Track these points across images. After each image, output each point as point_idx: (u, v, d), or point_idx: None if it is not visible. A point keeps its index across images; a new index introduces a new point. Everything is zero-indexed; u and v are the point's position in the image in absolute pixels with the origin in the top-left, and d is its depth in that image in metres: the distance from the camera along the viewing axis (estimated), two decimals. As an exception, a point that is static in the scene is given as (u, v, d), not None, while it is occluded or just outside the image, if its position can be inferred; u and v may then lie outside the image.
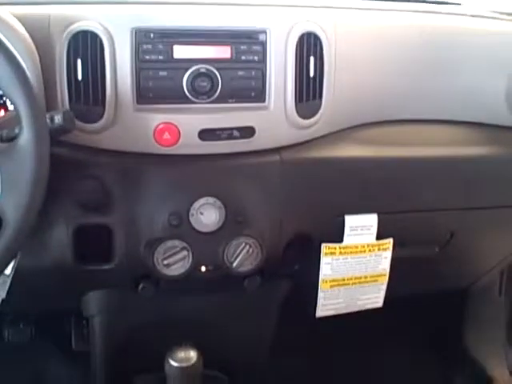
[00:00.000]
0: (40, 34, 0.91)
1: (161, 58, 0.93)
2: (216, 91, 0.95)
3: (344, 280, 1.14)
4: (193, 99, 0.95)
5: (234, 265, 1.00)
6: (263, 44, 0.96)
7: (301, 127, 1.02)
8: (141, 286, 1.04)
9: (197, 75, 0.94)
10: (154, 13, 0.95)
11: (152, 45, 0.93)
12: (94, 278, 1.06)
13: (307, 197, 1.04)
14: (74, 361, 1.56)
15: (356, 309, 1.19)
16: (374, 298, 1.19)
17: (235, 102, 0.97)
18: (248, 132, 0.98)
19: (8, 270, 0.91)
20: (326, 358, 1.59)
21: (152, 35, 0.93)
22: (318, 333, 1.51)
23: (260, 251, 1.00)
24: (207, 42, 0.94)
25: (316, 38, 0.99)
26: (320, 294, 1.14)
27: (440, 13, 1.14)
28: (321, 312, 1.16)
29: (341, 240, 1.09)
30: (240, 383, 1.33)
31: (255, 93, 0.97)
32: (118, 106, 0.93)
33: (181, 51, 0.94)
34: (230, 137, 0.97)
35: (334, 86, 1.03)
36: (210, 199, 0.97)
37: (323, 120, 1.03)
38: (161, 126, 0.95)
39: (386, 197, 1.09)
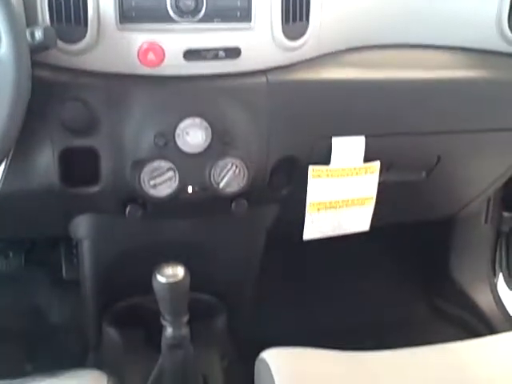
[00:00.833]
0: None
1: None
2: (201, 11, 0.93)
3: (331, 203, 1.14)
4: (177, 19, 0.93)
5: (221, 186, 1.00)
6: None
7: (287, 49, 1.00)
8: (128, 209, 1.04)
9: None
10: None
11: None
12: (80, 202, 1.06)
13: (294, 119, 1.03)
14: (65, 290, 1.58)
15: (343, 232, 1.19)
16: (361, 221, 1.19)
17: (221, 21, 0.95)
18: (234, 53, 0.97)
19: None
20: (312, 282, 1.62)
21: None
22: (305, 257, 1.53)
23: (247, 172, 1.00)
24: None
25: None
26: (307, 217, 1.15)
27: None
28: (308, 235, 1.17)
29: (328, 163, 1.09)
30: (228, 306, 1.35)
31: (241, 12, 0.96)
32: (100, 26, 0.92)
33: (164, -32, 0.92)
34: (216, 57, 0.96)
35: (322, 7, 1.01)
36: (196, 120, 0.97)
37: (310, 42, 1.02)
38: (145, 46, 0.93)
39: (373, 119, 1.08)
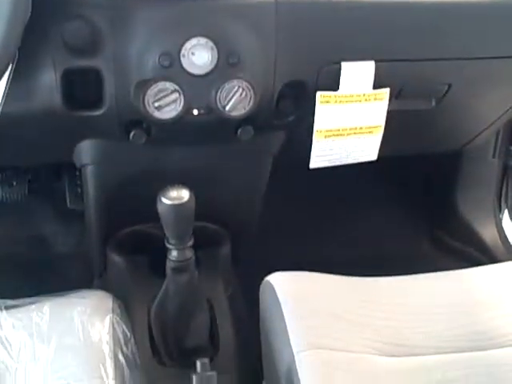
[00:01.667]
0: None
1: None
2: None
3: (339, 130, 1.13)
4: None
5: (227, 108, 0.98)
6: None
7: None
8: (132, 133, 1.02)
9: None
10: None
11: None
12: (84, 126, 1.05)
13: (302, 41, 1.01)
14: (69, 219, 1.58)
15: (350, 161, 1.18)
16: (369, 150, 1.18)
17: None
18: None
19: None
20: (316, 213, 1.62)
21: None
22: (309, 187, 1.53)
23: (253, 95, 0.98)
24: None
25: None
26: (314, 145, 1.13)
27: None
28: (314, 163, 1.16)
29: (336, 88, 1.07)
30: (233, 235, 1.35)
31: None
32: None
33: None
34: None
35: None
36: (202, 40, 0.94)
37: None
38: (150, -38, 0.90)
39: (384, 44, 1.05)
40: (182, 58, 0.95)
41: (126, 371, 0.88)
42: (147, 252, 1.31)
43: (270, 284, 0.98)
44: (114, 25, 0.94)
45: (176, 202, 0.96)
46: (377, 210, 1.66)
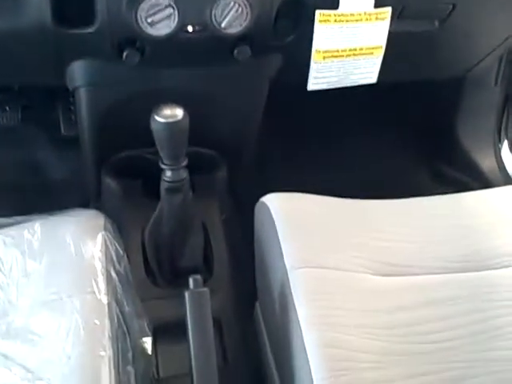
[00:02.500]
0: None
1: None
2: None
3: (338, 51, 1.09)
4: None
5: (223, 25, 0.95)
6: None
7: None
8: (125, 53, 1.00)
9: None
10: None
11: None
12: (76, 44, 1.02)
13: None
14: (64, 146, 1.56)
15: (349, 83, 1.15)
16: (368, 72, 1.15)
17: None
18: None
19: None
20: (313, 139, 1.60)
21: None
22: (307, 112, 1.50)
23: (250, 12, 0.95)
24: None
25: None
26: (312, 66, 1.10)
27: None
28: (312, 85, 1.13)
29: (336, 7, 1.03)
30: (228, 160, 1.33)
31: None
32: None
33: None
34: None
35: None
36: None
37: None
38: None
39: None
40: None
41: (119, 288, 0.88)
42: (142, 176, 1.30)
43: (265, 204, 0.97)
44: None
45: (170, 120, 0.94)
46: (376, 138, 1.64)
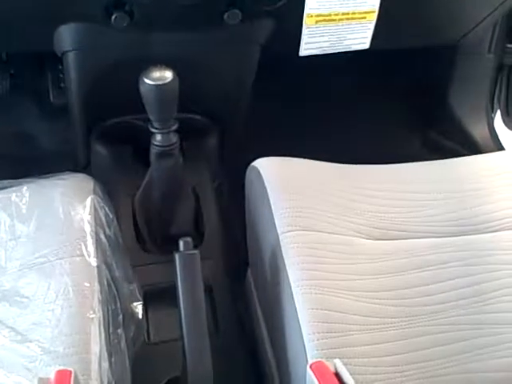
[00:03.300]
0: None
1: None
2: None
3: (330, 15, 1.08)
4: None
5: (213, -15, 0.93)
6: None
7: None
8: (114, 16, 0.97)
9: None
10: None
11: None
12: (63, 7, 1.00)
13: None
14: (53, 115, 1.54)
15: (341, 49, 1.14)
16: (361, 38, 1.13)
17: None
18: None
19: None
20: (305, 109, 1.59)
21: None
22: (299, 81, 1.49)
23: None
24: None
25: None
26: (304, 31, 1.09)
27: None
28: (304, 51, 1.12)
29: (329, -32, 1.02)
30: (220, 127, 1.32)
31: None
32: None
33: None
34: None
35: None
36: None
37: None
38: None
39: None
40: None
41: (109, 251, 0.87)
42: (132, 143, 1.28)
43: (256, 168, 0.96)
44: None
45: (159, 82, 0.92)
46: (367, 106, 1.62)
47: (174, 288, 0.87)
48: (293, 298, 0.82)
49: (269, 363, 0.99)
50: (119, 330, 0.83)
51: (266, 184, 0.93)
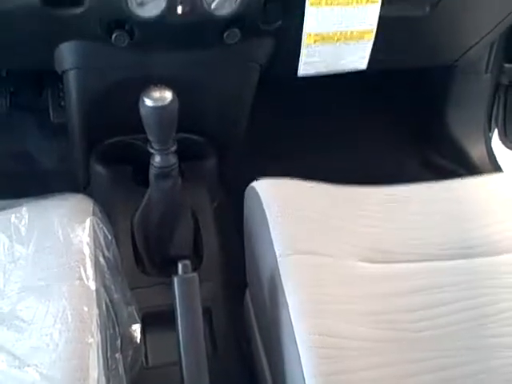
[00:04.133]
0: None
1: None
2: None
3: (329, 35, 1.08)
4: None
5: (213, 6, 0.94)
6: None
7: None
8: (114, 35, 0.98)
9: None
10: None
11: None
12: (64, 26, 1.00)
13: None
14: (53, 134, 1.55)
15: (339, 69, 1.14)
16: (359, 58, 1.14)
17: None
18: None
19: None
20: (302, 130, 1.59)
21: None
22: (297, 102, 1.49)
23: None
24: None
25: None
26: (303, 51, 1.09)
27: None
28: (303, 71, 1.12)
29: (328, -11, 1.02)
30: (218, 147, 1.32)
31: None
32: None
33: None
34: None
35: None
36: None
37: None
38: None
39: None
40: None
41: (107, 274, 0.87)
42: (131, 163, 1.29)
43: (255, 189, 0.96)
44: None
45: (159, 103, 0.93)
46: (365, 127, 1.63)
47: (173, 311, 0.86)
48: (291, 321, 0.82)
49: (266, 386, 0.99)
50: (117, 355, 0.83)
51: (265, 206, 0.93)
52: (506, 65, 1.51)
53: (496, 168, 1.57)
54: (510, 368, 0.82)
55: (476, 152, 1.58)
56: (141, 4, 0.92)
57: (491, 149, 1.60)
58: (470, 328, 0.85)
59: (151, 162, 1.01)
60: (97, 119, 1.19)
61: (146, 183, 1.09)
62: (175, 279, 0.86)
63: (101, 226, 0.90)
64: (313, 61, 1.11)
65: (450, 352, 0.82)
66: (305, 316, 0.82)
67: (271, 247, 0.89)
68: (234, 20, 0.98)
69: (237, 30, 1.01)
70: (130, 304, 0.94)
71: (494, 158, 1.60)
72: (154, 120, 0.95)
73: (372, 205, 0.98)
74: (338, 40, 1.09)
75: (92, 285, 0.83)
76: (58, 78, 1.15)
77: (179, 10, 0.95)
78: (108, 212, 1.04)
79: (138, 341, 0.92)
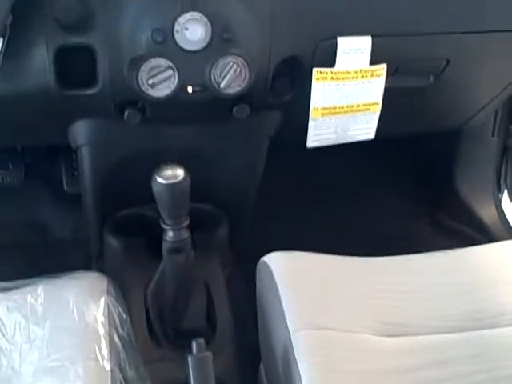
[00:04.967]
0: None
1: None
2: None
3: (335, 108, 1.11)
4: None
5: (222, 85, 0.96)
6: None
7: None
8: (126, 113, 1.01)
9: None
10: None
11: None
12: (78, 105, 1.03)
13: (297, 16, 0.99)
14: (67, 203, 1.57)
15: (347, 140, 1.16)
16: (366, 128, 1.16)
17: None
18: None
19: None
20: (313, 195, 1.60)
21: None
22: (308, 167, 1.51)
23: (248, 72, 0.96)
24: None
25: None
26: (311, 124, 1.11)
27: None
28: (311, 143, 1.14)
29: (333, 64, 1.05)
30: (229, 216, 1.34)
31: None
32: None
33: None
34: None
35: None
36: (196, 14, 0.92)
37: None
38: None
39: (379, 17, 1.04)
40: (175, 34, 0.93)
41: (122, 353, 0.87)
42: (144, 234, 1.30)
43: (267, 264, 0.97)
44: (105, 0, 0.92)
45: (171, 180, 0.95)
46: (375, 190, 1.64)
47: None
48: None
49: None
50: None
51: (277, 281, 0.93)
52: (512, 127, 1.53)
53: (507, 228, 1.57)
54: None
55: (486, 213, 1.58)
56: (152, 85, 0.94)
57: (502, 209, 1.60)
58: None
59: (164, 236, 1.03)
60: (110, 192, 1.21)
61: (159, 254, 1.09)
62: (189, 359, 0.86)
63: (115, 304, 0.91)
64: (321, 133, 1.14)
65: None
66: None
67: (284, 322, 0.89)
68: (242, 96, 1.01)
69: (246, 106, 1.03)
70: (144, 379, 0.94)
71: (505, 218, 1.60)
72: (167, 197, 0.96)
73: (383, 275, 0.98)
74: (344, 113, 1.12)
75: (107, 365, 0.83)
76: (71, 149, 1.18)
77: (189, 89, 0.98)
78: (121, 284, 1.05)
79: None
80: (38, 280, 0.96)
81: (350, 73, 1.07)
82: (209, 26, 0.93)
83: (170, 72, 0.94)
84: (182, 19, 0.92)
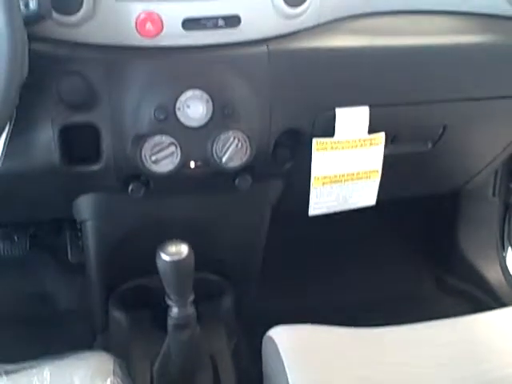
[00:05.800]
0: None
1: None
2: None
3: (336, 177, 1.12)
4: None
5: (224, 160, 0.98)
6: None
7: (288, 16, 0.98)
8: (130, 187, 1.03)
9: None
10: None
11: None
12: (83, 181, 1.05)
13: (296, 89, 1.01)
14: (71, 274, 1.57)
15: (349, 207, 1.17)
16: (367, 195, 1.17)
17: None
18: (234, 21, 0.95)
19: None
20: (317, 258, 1.60)
21: None
22: (310, 231, 1.51)
23: (249, 146, 0.98)
24: None
25: None
26: (312, 192, 1.12)
27: None
28: (313, 211, 1.15)
29: (332, 135, 1.07)
30: (234, 285, 1.33)
31: None
32: None
33: None
34: (215, 26, 0.94)
35: None
36: (197, 92, 0.94)
37: (311, 10, 1.00)
38: (142, 16, 0.91)
39: (376, 88, 1.06)
40: (177, 111, 0.95)
41: (128, 434, 0.86)
42: (149, 306, 1.29)
43: (272, 339, 0.96)
44: (108, 79, 0.94)
45: (175, 257, 0.95)
46: (378, 252, 1.64)
47: None
48: None
49: None
50: None
51: (282, 356, 0.92)
52: (513, 186, 1.54)
53: (512, 286, 1.57)
54: None
55: (491, 272, 1.58)
56: (155, 161, 0.96)
57: (507, 268, 1.60)
58: None
59: (169, 312, 1.02)
60: (115, 264, 1.22)
61: (164, 327, 1.09)
62: None
63: (121, 385, 0.90)
64: (322, 201, 1.15)
65: None
66: None
67: None
68: (244, 168, 1.02)
69: (248, 176, 1.05)
70: None
71: (510, 276, 1.59)
72: (171, 274, 0.97)
73: (388, 349, 0.96)
74: (345, 181, 1.13)
75: None
76: (76, 221, 1.18)
77: (192, 164, 0.99)
78: (127, 358, 1.04)
79: None
80: (42, 362, 0.95)
81: (349, 142, 1.09)
82: (210, 102, 0.95)
83: (172, 148, 0.96)
84: (183, 97, 0.94)
